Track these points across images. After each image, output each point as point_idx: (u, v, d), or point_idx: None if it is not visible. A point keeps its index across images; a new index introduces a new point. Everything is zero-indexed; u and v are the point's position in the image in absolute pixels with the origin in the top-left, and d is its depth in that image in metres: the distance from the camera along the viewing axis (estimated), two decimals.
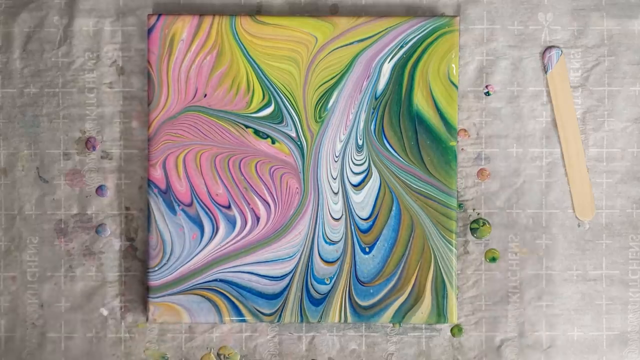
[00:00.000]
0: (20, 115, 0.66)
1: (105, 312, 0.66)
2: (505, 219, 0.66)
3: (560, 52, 0.66)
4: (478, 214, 0.66)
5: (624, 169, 0.66)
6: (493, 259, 0.66)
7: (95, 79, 0.66)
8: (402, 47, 0.63)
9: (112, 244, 0.66)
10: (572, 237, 0.66)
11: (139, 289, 0.66)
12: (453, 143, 0.63)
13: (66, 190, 0.66)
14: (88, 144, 0.66)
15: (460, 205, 0.66)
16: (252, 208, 0.63)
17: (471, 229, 0.66)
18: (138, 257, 0.66)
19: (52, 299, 0.66)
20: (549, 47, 0.66)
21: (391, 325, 0.66)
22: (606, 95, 0.66)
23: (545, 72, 0.66)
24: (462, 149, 0.66)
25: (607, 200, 0.66)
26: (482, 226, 0.66)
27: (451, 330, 0.66)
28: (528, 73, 0.66)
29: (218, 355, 0.66)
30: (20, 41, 0.66)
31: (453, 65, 0.63)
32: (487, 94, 0.66)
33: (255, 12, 0.66)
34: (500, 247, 0.66)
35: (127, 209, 0.66)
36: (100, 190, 0.66)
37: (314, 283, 0.63)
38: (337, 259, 0.63)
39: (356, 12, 0.66)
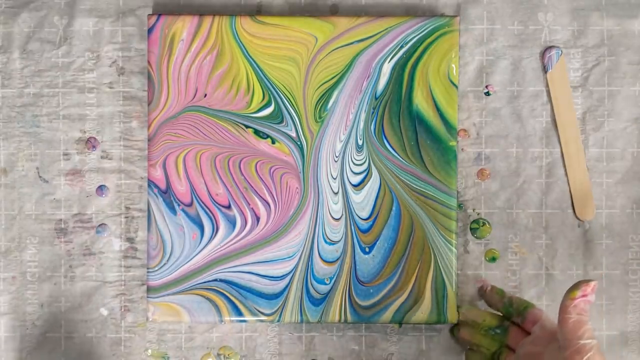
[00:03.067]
0: (20, 115, 0.66)
1: (105, 312, 0.66)
2: (505, 219, 0.66)
3: (560, 52, 0.66)
4: (478, 214, 0.66)
5: (624, 169, 0.66)
6: (493, 259, 0.66)
7: (95, 79, 0.66)
8: (402, 47, 0.63)
9: (112, 244, 0.66)
10: (572, 237, 0.66)
11: (139, 289, 0.66)
12: (453, 143, 0.63)
13: (66, 190, 0.66)
14: (88, 144, 0.66)
15: (460, 205, 0.66)
16: (252, 208, 0.63)
17: (471, 229, 0.66)
18: (138, 257, 0.66)
19: (52, 299, 0.66)
20: (549, 47, 0.66)
21: (391, 325, 0.66)
22: (606, 95, 0.66)
23: (545, 72, 0.66)
24: (462, 149, 0.66)
25: (607, 200, 0.66)
26: (482, 226, 0.66)
27: (451, 330, 0.66)
28: (528, 73, 0.66)
29: (218, 355, 0.66)
30: (20, 41, 0.66)
31: (453, 65, 0.63)
32: (487, 94, 0.66)
33: (255, 12, 0.66)
34: (500, 247, 0.66)
35: (127, 209, 0.66)
36: (100, 190, 0.66)
37: (314, 283, 0.63)
38: (337, 259, 0.63)
39: (356, 12, 0.66)
